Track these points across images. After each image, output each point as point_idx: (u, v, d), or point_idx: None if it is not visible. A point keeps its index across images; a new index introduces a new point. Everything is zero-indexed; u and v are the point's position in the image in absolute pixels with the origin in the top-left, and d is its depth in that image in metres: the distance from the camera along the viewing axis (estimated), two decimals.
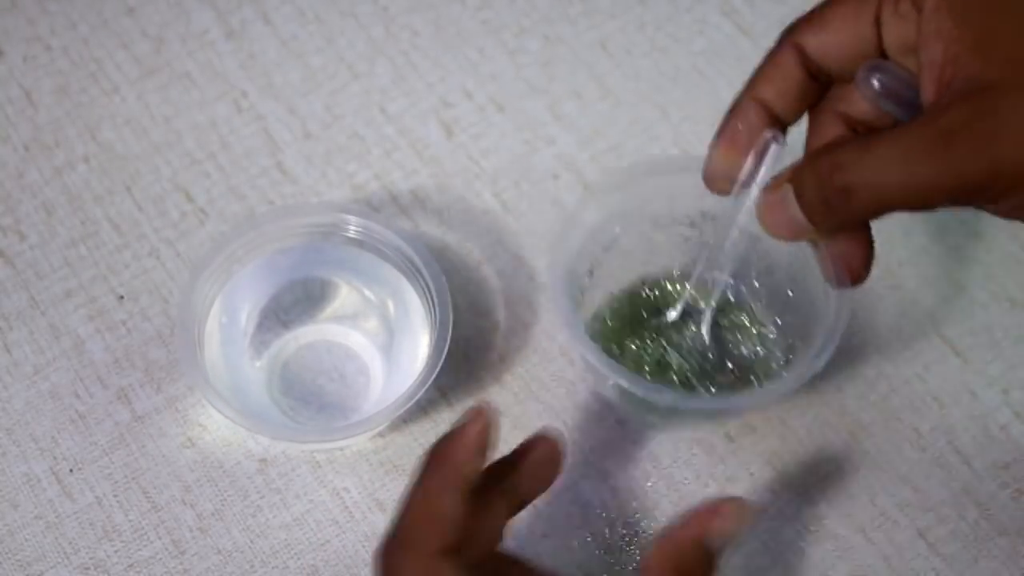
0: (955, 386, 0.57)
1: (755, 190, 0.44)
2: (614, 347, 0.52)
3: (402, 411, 0.49)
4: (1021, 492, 0.54)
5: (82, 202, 0.60)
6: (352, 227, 0.53)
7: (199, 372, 0.49)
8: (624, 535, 0.53)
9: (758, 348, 0.53)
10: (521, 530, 0.53)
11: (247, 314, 0.54)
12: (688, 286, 0.51)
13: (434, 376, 0.49)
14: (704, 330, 0.52)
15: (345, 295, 0.55)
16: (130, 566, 0.52)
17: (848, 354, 0.57)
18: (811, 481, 0.54)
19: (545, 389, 0.56)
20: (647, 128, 0.62)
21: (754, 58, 0.66)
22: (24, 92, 0.63)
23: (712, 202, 0.46)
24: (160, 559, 0.52)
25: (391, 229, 0.53)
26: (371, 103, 0.63)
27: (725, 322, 0.54)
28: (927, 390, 0.56)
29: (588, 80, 0.64)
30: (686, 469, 0.55)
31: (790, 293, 0.51)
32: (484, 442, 0.41)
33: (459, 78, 0.64)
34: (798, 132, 0.46)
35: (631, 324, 0.53)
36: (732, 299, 0.53)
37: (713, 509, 0.40)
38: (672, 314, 0.53)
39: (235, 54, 0.64)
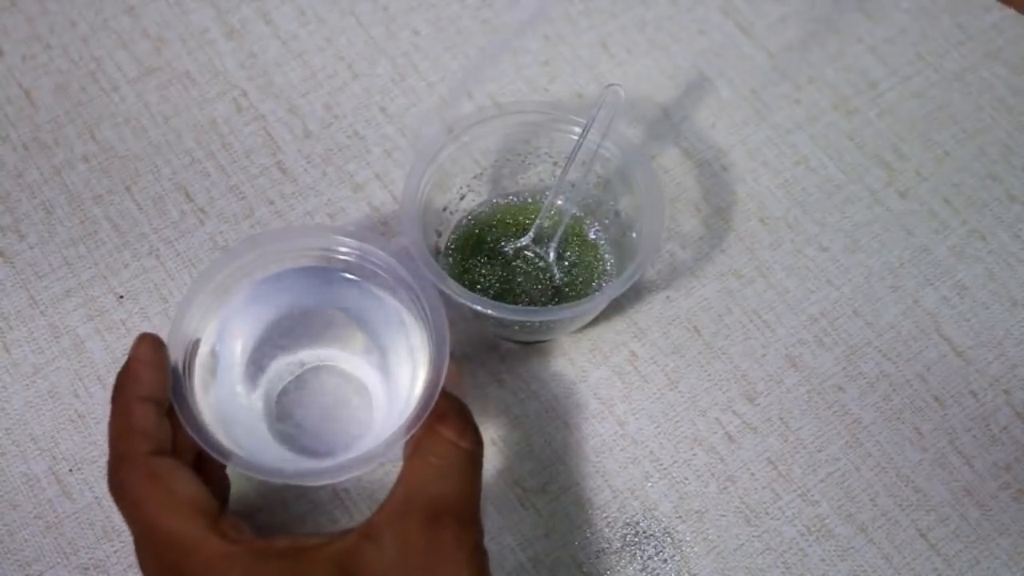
0: (956, 386, 0.56)
1: (595, 133, 0.53)
2: (463, 268, 0.56)
3: (407, 438, 0.46)
4: (1022, 492, 0.54)
5: (81, 201, 0.60)
6: (344, 249, 0.51)
7: (191, 411, 0.47)
8: (624, 535, 0.53)
9: (601, 281, 0.56)
10: (522, 530, 0.53)
11: (242, 343, 0.51)
12: (538, 215, 0.56)
13: (432, 405, 0.46)
14: (551, 256, 0.56)
15: (341, 319, 0.53)
16: (129, 566, 0.52)
17: (849, 354, 0.57)
18: (812, 481, 0.54)
19: (545, 389, 0.56)
20: (648, 128, 0.62)
21: (755, 57, 0.67)
22: (24, 91, 0.63)
23: (567, 143, 0.55)
24: None
25: (385, 250, 0.50)
26: (371, 103, 0.63)
27: (573, 254, 0.57)
28: (928, 390, 0.56)
29: (588, 80, 0.64)
30: (686, 469, 0.55)
31: (633, 235, 0.55)
32: (156, 356, 0.46)
33: (459, 78, 0.64)
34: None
35: (480, 249, 0.57)
36: (591, 237, 0.57)
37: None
38: (523, 240, 0.56)
39: (235, 53, 0.64)
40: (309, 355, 0.53)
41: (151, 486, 0.43)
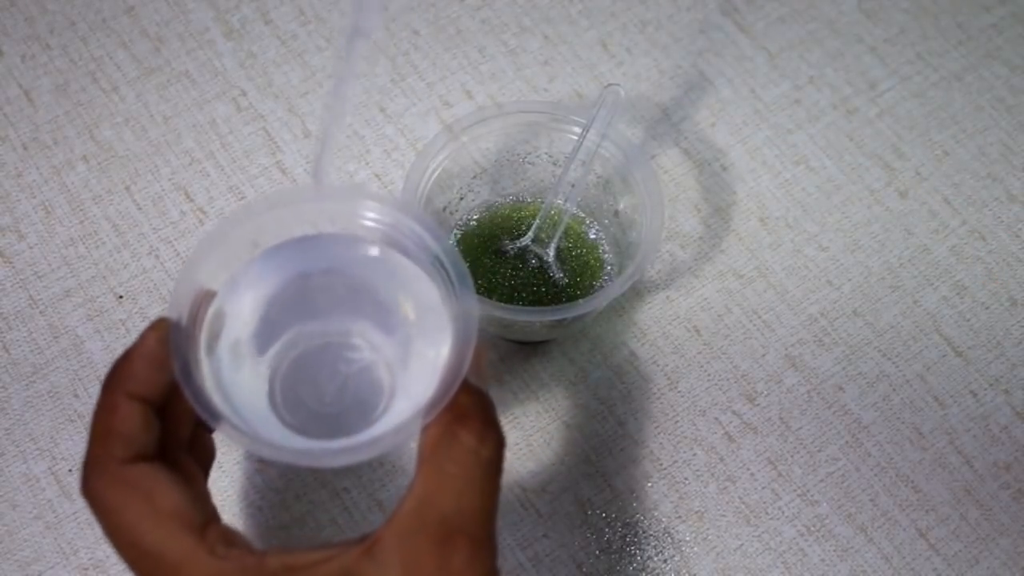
0: (956, 386, 0.56)
1: (594, 133, 0.53)
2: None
3: (423, 425, 0.42)
4: (1022, 492, 0.54)
5: (81, 202, 0.60)
6: (375, 216, 0.45)
7: (188, 367, 0.42)
8: (624, 535, 0.53)
9: (601, 281, 0.57)
10: (522, 530, 0.53)
11: (252, 308, 0.47)
12: (538, 215, 0.57)
13: (453, 393, 0.42)
14: (550, 256, 0.56)
15: (360, 293, 0.48)
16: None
17: (849, 354, 0.57)
18: (811, 481, 0.54)
19: (545, 389, 0.56)
20: (648, 128, 0.62)
21: (755, 58, 0.67)
22: (23, 91, 0.63)
23: (567, 143, 0.55)
24: None
25: (417, 220, 0.45)
26: (371, 103, 0.63)
27: (573, 254, 0.57)
28: (928, 390, 0.56)
29: (588, 80, 0.64)
30: (686, 469, 0.55)
31: (633, 235, 0.55)
32: (161, 352, 0.41)
33: (459, 78, 0.64)
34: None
35: (480, 249, 0.57)
36: (591, 237, 0.58)
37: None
38: (523, 240, 0.56)
39: (234, 53, 0.64)
40: (320, 330, 0.48)
41: (128, 497, 0.40)
